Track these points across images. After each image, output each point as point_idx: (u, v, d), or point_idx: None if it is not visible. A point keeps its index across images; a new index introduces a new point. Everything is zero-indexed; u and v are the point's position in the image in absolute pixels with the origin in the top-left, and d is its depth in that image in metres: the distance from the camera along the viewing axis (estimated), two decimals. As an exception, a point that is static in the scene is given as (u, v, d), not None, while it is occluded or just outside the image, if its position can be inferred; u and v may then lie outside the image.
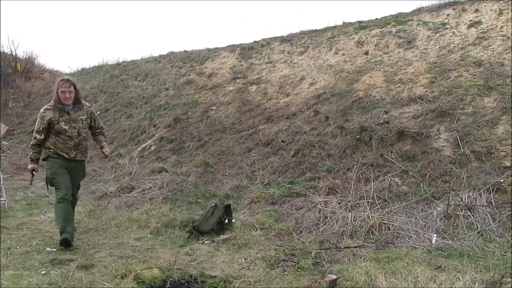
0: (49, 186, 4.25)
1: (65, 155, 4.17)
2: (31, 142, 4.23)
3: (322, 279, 3.05)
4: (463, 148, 5.29)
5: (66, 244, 3.95)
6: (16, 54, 15.45)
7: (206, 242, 4.22)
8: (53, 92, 4.22)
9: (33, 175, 4.39)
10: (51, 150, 4.16)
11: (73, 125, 4.18)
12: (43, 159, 4.23)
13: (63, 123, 4.13)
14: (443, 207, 4.40)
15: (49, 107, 4.17)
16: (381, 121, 6.32)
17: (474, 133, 5.46)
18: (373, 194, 4.91)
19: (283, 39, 11.40)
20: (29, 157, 4.29)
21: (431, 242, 3.91)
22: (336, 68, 8.97)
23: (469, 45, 7.83)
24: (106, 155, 4.59)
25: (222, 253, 3.88)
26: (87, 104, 4.48)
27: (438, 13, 9.34)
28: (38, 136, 4.17)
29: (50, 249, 4.02)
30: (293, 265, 3.51)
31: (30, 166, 4.30)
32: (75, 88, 4.18)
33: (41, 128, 4.14)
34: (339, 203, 4.91)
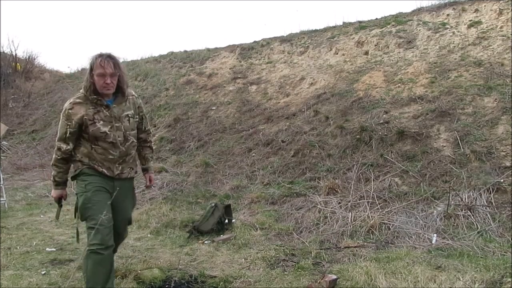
0: (80, 218, 2.80)
1: (105, 171, 2.72)
2: (54, 156, 2.76)
3: (322, 279, 3.05)
4: (463, 148, 5.29)
5: None
6: (16, 54, 15.47)
7: (206, 242, 4.22)
8: (85, 76, 2.73)
9: (60, 206, 2.94)
10: (85, 164, 2.73)
11: (117, 125, 2.72)
12: (72, 178, 2.80)
13: (102, 122, 2.67)
14: (443, 207, 4.40)
15: (78, 100, 2.69)
16: (381, 121, 6.32)
17: (474, 133, 5.46)
18: (373, 194, 4.91)
19: (283, 39, 11.40)
20: (52, 179, 2.80)
21: (431, 242, 3.91)
22: (336, 68, 8.97)
23: (469, 45, 7.82)
24: (151, 184, 3.20)
25: (222, 253, 3.88)
26: (133, 93, 2.91)
27: (438, 13, 9.34)
28: (63, 146, 2.70)
29: (50, 249, 4.02)
30: (293, 265, 3.51)
31: (54, 194, 2.83)
32: (120, 71, 2.70)
33: (68, 134, 2.68)
34: (339, 203, 4.91)
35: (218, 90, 10.03)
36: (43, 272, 3.37)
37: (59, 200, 2.88)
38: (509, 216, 4.12)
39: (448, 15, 9.11)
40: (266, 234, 4.39)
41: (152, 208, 5.43)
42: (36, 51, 25.64)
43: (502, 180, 4.61)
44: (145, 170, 3.14)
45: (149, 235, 4.52)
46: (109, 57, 2.64)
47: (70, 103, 2.72)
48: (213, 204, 4.71)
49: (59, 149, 2.74)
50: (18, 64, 15.26)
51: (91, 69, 2.63)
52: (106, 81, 2.61)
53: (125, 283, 3.10)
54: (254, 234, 4.36)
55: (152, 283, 3.13)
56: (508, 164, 4.85)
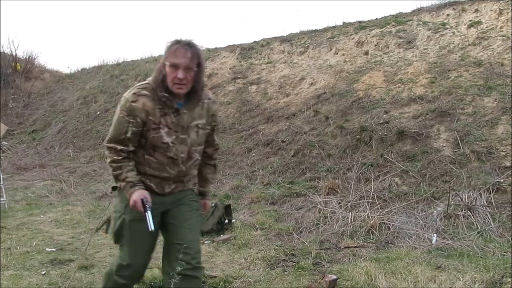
0: (113, 240, 2.27)
1: (154, 186, 2.14)
2: (114, 157, 2.08)
3: (322, 279, 3.05)
4: (463, 148, 5.29)
5: None
6: (16, 54, 15.46)
7: (206, 242, 4.22)
8: (156, 66, 2.12)
9: (146, 209, 2.02)
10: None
11: (182, 136, 2.12)
12: (113, 188, 2.26)
13: (166, 130, 2.08)
14: (443, 207, 4.40)
15: (144, 92, 2.07)
16: (381, 121, 6.32)
17: (474, 133, 5.46)
18: (373, 194, 4.91)
19: (283, 39, 11.39)
20: (122, 183, 2.09)
21: (431, 242, 3.91)
22: (336, 68, 8.97)
23: (469, 45, 7.83)
24: (204, 212, 2.53)
25: (222, 253, 3.88)
26: (210, 96, 2.27)
27: (438, 13, 9.34)
28: (121, 147, 2.07)
29: (50, 249, 4.02)
30: (293, 265, 3.51)
31: (135, 196, 2.03)
32: (199, 65, 2.05)
33: (130, 134, 2.06)
34: (339, 203, 4.91)
35: (218, 90, 10.03)
36: (43, 272, 3.37)
37: (144, 204, 2.02)
38: (509, 216, 4.12)
39: (448, 15, 9.11)
40: (266, 234, 4.39)
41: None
42: (36, 51, 25.63)
43: (502, 180, 4.61)
44: (202, 195, 2.38)
45: (149, 235, 4.51)
46: (188, 45, 2.00)
47: (134, 93, 2.05)
48: (213, 204, 4.71)
49: (114, 149, 2.07)
50: (18, 64, 15.26)
51: (166, 58, 2.03)
52: (178, 75, 1.97)
53: (125, 283, 3.10)
54: (254, 234, 4.36)
55: (152, 283, 3.13)
56: (508, 164, 4.85)
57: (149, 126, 2.06)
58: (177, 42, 2.02)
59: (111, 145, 2.09)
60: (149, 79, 2.12)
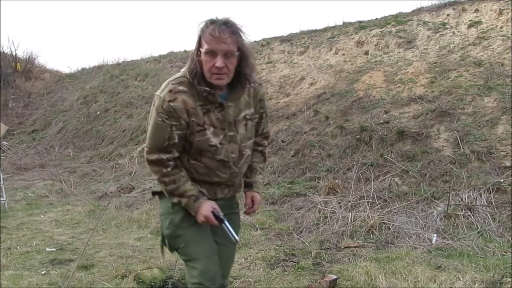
0: (169, 248, 2.05)
1: (205, 191, 1.87)
2: (161, 171, 1.78)
3: (322, 279, 3.05)
4: (463, 148, 5.29)
5: None
6: (16, 54, 15.46)
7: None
8: (191, 54, 1.77)
9: (221, 220, 1.82)
10: None
11: (230, 133, 1.83)
12: (153, 193, 2.06)
13: (212, 130, 1.79)
14: (443, 207, 4.40)
15: (181, 88, 1.74)
16: (381, 121, 6.32)
17: (474, 133, 5.46)
18: (373, 194, 4.91)
19: (283, 39, 11.39)
20: (183, 199, 1.80)
21: (431, 242, 3.91)
22: (336, 68, 8.97)
23: (469, 45, 7.82)
24: (253, 209, 2.11)
25: (222, 253, 3.87)
26: (256, 80, 1.93)
27: (438, 13, 9.34)
28: (167, 156, 1.77)
29: (50, 249, 4.02)
30: (293, 265, 3.51)
31: (204, 211, 1.79)
32: (241, 48, 1.73)
33: (174, 140, 1.76)
34: (339, 203, 4.91)
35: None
36: (43, 272, 3.37)
37: (216, 216, 1.79)
38: (509, 216, 4.12)
39: (448, 15, 9.11)
40: (266, 234, 4.39)
41: (152, 208, 5.43)
42: (36, 51, 25.61)
43: (502, 180, 4.61)
44: (248, 186, 2.06)
45: (149, 235, 4.52)
46: (225, 25, 1.65)
47: (170, 91, 1.71)
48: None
49: (159, 161, 1.75)
50: (18, 64, 15.26)
51: (199, 42, 1.68)
52: (216, 64, 1.63)
53: (125, 283, 3.10)
54: (254, 234, 4.36)
55: (152, 283, 3.13)
56: (508, 164, 4.85)
57: (192, 129, 1.75)
58: (212, 22, 1.67)
59: (155, 157, 1.75)
60: (183, 70, 1.77)
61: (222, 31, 1.65)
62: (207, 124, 1.77)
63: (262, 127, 2.04)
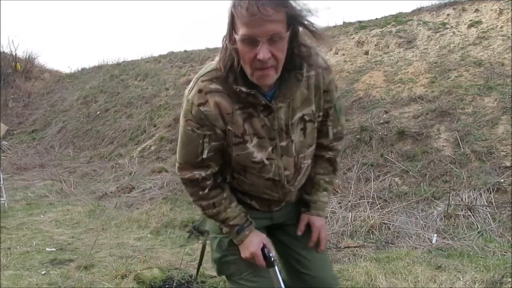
0: (216, 272, 1.70)
1: (256, 205, 1.53)
2: (197, 194, 1.44)
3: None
4: (463, 148, 5.29)
5: None
6: (16, 54, 15.46)
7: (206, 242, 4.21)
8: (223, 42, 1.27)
9: (271, 263, 1.45)
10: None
11: (283, 144, 1.38)
12: (199, 232, 1.95)
13: (256, 141, 1.36)
14: (443, 207, 4.40)
15: (214, 87, 1.30)
16: (381, 121, 6.32)
17: (474, 133, 5.46)
18: (373, 194, 4.90)
19: (283, 39, 11.39)
20: (224, 227, 1.47)
21: (431, 242, 3.91)
22: (336, 68, 8.97)
23: (469, 45, 7.82)
24: (313, 240, 1.54)
25: (222, 253, 3.87)
26: (320, 62, 1.39)
27: (438, 13, 9.34)
28: (203, 173, 1.41)
29: (50, 249, 4.02)
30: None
31: (252, 247, 1.43)
32: (292, 24, 1.21)
33: (208, 153, 1.37)
34: (339, 203, 4.91)
35: (218, 90, 10.03)
36: (43, 272, 3.37)
37: (266, 256, 1.44)
38: (509, 216, 4.12)
39: (448, 15, 9.11)
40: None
41: (152, 208, 5.43)
42: (36, 51, 25.61)
43: (502, 180, 4.61)
44: (306, 206, 1.55)
45: (149, 235, 4.52)
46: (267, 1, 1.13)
47: (199, 91, 1.30)
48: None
49: (193, 181, 1.42)
50: (18, 64, 15.26)
51: (232, 24, 1.20)
52: (259, 56, 1.17)
53: (125, 283, 3.10)
54: (254, 234, 4.36)
55: (152, 283, 3.13)
56: (508, 164, 4.85)
57: (229, 140, 1.35)
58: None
59: (188, 175, 1.41)
60: (216, 59, 1.31)
61: (262, 5, 1.12)
62: (248, 134, 1.33)
63: (331, 127, 1.47)
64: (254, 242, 1.43)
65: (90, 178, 7.80)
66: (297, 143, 1.39)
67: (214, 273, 3.33)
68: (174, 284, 3.18)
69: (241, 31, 1.17)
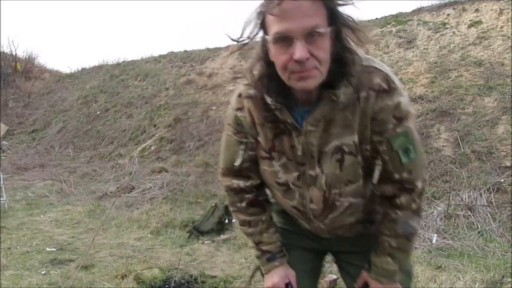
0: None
1: (305, 223, 1.32)
2: (235, 204, 1.36)
3: (322, 279, 3.04)
4: (463, 148, 5.28)
5: None
6: (16, 54, 15.46)
7: (206, 242, 4.21)
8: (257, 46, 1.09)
9: None
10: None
11: (311, 173, 1.17)
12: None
13: (282, 161, 1.20)
14: (444, 207, 4.40)
15: (251, 93, 1.16)
16: (381, 121, 6.32)
17: (474, 133, 5.46)
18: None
19: (283, 39, 11.39)
20: (254, 243, 1.37)
21: (431, 242, 3.91)
22: (336, 68, 8.98)
23: (469, 45, 7.82)
24: None
25: (222, 253, 3.87)
26: (374, 81, 1.08)
27: (438, 13, 9.34)
28: (242, 183, 1.31)
29: (50, 249, 4.02)
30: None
31: (275, 279, 1.35)
32: (334, 20, 1.02)
33: (245, 162, 1.27)
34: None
35: (218, 90, 10.03)
36: (43, 272, 3.37)
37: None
38: (509, 216, 4.12)
39: (448, 15, 9.11)
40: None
41: (152, 208, 5.43)
42: (36, 51, 25.62)
43: (502, 180, 4.61)
44: (369, 263, 1.28)
45: (149, 235, 4.52)
46: None
47: (239, 95, 1.22)
48: (213, 204, 4.71)
49: (231, 190, 1.34)
50: (18, 64, 15.26)
51: (262, 22, 1.05)
52: (295, 56, 0.99)
53: (125, 283, 3.10)
54: (254, 234, 4.36)
55: (152, 283, 3.13)
56: (508, 164, 4.85)
57: (258, 153, 1.23)
58: None
59: (227, 182, 1.34)
60: (251, 75, 1.15)
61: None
62: (276, 151, 1.19)
63: (386, 168, 1.14)
64: (281, 276, 1.34)
65: (90, 178, 7.80)
66: (329, 176, 1.16)
67: (214, 273, 3.34)
68: (174, 284, 3.18)
69: (273, 29, 1.01)
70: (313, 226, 1.29)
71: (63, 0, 37.63)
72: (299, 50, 0.98)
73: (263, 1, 1.04)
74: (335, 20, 1.03)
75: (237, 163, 1.26)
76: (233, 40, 1.10)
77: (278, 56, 1.03)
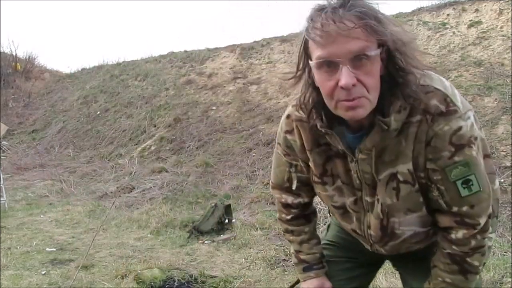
0: None
1: (365, 244, 1.27)
2: (280, 215, 1.40)
3: None
4: (463, 148, 5.29)
5: None
6: (16, 54, 15.46)
7: (206, 242, 4.22)
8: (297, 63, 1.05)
9: None
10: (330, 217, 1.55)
11: (368, 199, 1.12)
12: None
13: (339, 183, 1.15)
14: (443, 207, 4.40)
15: (301, 115, 1.14)
16: (381, 121, 6.32)
17: (474, 133, 5.46)
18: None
19: (283, 39, 11.39)
20: (294, 251, 1.40)
21: (431, 242, 3.91)
22: (336, 68, 8.98)
23: (469, 45, 7.83)
24: None
25: (222, 253, 3.87)
26: (431, 104, 1.00)
27: (438, 13, 9.34)
28: (290, 199, 1.31)
29: (50, 249, 4.02)
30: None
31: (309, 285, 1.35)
32: (384, 42, 0.93)
33: (295, 181, 1.26)
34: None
35: (218, 90, 10.03)
36: (43, 272, 3.37)
37: None
38: (509, 216, 4.12)
39: (448, 15, 9.11)
40: (266, 234, 4.39)
41: (152, 208, 5.43)
42: (36, 51, 25.62)
43: (502, 180, 4.61)
44: None
45: (149, 235, 4.52)
46: (343, 8, 0.92)
47: (288, 116, 1.20)
48: (213, 204, 4.71)
49: (280, 203, 1.36)
50: (18, 64, 15.26)
51: (305, 49, 1.01)
52: (341, 83, 0.92)
53: (125, 283, 3.10)
54: (254, 234, 4.36)
55: (152, 283, 3.13)
56: (508, 164, 4.85)
57: (311, 177, 1.21)
58: (321, 9, 0.94)
59: (277, 195, 1.35)
60: (298, 101, 1.14)
61: (338, 18, 0.90)
62: (328, 175, 1.16)
63: (440, 198, 1.06)
64: (315, 286, 1.33)
65: (90, 178, 7.80)
66: (385, 205, 1.09)
67: (214, 273, 3.34)
68: (174, 284, 3.18)
69: (316, 54, 0.95)
70: (374, 248, 1.23)
71: (63, 0, 37.64)
72: (345, 76, 0.91)
73: (306, 23, 0.97)
74: (385, 40, 0.94)
75: (294, 186, 1.26)
76: (287, 75, 1.08)
77: (322, 83, 0.98)
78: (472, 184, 1.01)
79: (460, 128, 0.99)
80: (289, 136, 1.19)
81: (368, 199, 1.12)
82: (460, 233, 1.06)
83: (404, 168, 1.04)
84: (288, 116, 1.19)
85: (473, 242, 1.06)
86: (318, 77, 0.98)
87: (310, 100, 1.06)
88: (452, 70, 7.11)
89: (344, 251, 1.39)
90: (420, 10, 9.90)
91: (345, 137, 1.07)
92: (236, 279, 3.22)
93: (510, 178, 4.61)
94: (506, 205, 4.29)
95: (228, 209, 4.73)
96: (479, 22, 8.36)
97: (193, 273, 3.33)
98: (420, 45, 8.57)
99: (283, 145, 1.22)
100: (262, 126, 7.78)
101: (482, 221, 1.05)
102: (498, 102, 5.88)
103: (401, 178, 1.05)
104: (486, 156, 1.14)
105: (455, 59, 7.50)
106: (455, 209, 1.05)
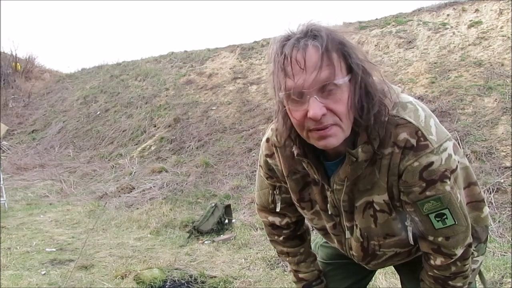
0: None
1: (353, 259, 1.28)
2: (270, 236, 1.40)
3: None
4: (463, 148, 5.28)
5: None
6: (16, 54, 15.47)
7: (206, 242, 4.21)
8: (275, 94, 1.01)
9: None
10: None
11: (347, 224, 1.13)
12: None
13: (316, 208, 1.18)
14: (443, 207, 4.40)
15: (274, 140, 1.13)
16: (381, 121, 6.32)
17: (474, 133, 5.46)
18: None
19: (283, 39, 11.39)
20: (291, 271, 1.41)
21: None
22: (336, 68, 8.97)
23: (469, 45, 7.82)
24: None
25: (222, 253, 3.87)
26: (403, 135, 0.96)
27: (438, 13, 9.34)
28: (277, 220, 1.32)
29: (50, 249, 4.02)
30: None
31: None
32: (352, 69, 0.94)
33: (278, 203, 1.26)
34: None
35: (218, 90, 10.03)
36: (43, 272, 3.37)
37: None
38: (509, 216, 4.12)
39: (448, 15, 9.11)
40: (266, 234, 4.39)
41: (152, 208, 5.43)
42: (36, 51, 25.62)
43: (502, 180, 4.61)
44: None
45: (149, 235, 4.52)
46: (306, 38, 0.93)
47: (268, 141, 1.19)
48: (213, 204, 4.71)
49: (266, 225, 1.37)
50: (18, 64, 15.27)
51: (274, 79, 1.03)
52: (310, 114, 0.91)
53: (125, 283, 3.10)
54: (254, 234, 4.36)
55: (152, 283, 3.13)
56: (508, 164, 4.85)
57: (299, 205, 1.21)
58: (286, 39, 0.96)
59: (263, 218, 1.34)
60: (276, 129, 1.11)
61: (303, 48, 0.90)
62: (306, 201, 1.16)
63: (410, 228, 1.08)
64: None
65: (90, 178, 7.80)
66: (363, 230, 1.10)
67: (214, 273, 3.34)
68: (174, 284, 3.18)
69: (283, 85, 0.94)
70: (363, 264, 1.25)
71: (63, 0, 37.64)
72: (313, 107, 0.89)
73: (270, 50, 0.98)
74: (352, 67, 0.94)
75: (278, 208, 1.25)
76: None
77: (293, 114, 0.96)
78: (447, 218, 1.00)
79: (431, 164, 0.96)
80: (269, 160, 1.18)
81: (347, 224, 1.13)
82: (438, 261, 1.08)
83: (380, 199, 1.04)
84: (267, 140, 1.17)
85: (453, 268, 1.07)
86: (288, 107, 0.96)
87: (285, 128, 1.03)
88: (452, 70, 7.10)
89: (340, 255, 1.39)
90: (420, 10, 9.90)
91: (322, 163, 1.06)
92: (236, 279, 3.22)
93: (510, 178, 4.61)
94: (506, 205, 4.29)
95: (228, 209, 4.73)
96: (479, 22, 8.36)
97: (193, 273, 3.33)
98: (420, 45, 8.58)
99: (265, 168, 1.21)
100: (262, 126, 7.77)
101: (459, 252, 1.05)
102: (498, 102, 5.88)
103: (377, 208, 1.06)
104: (471, 184, 1.14)
105: (455, 59, 7.49)
106: (431, 238, 1.05)
